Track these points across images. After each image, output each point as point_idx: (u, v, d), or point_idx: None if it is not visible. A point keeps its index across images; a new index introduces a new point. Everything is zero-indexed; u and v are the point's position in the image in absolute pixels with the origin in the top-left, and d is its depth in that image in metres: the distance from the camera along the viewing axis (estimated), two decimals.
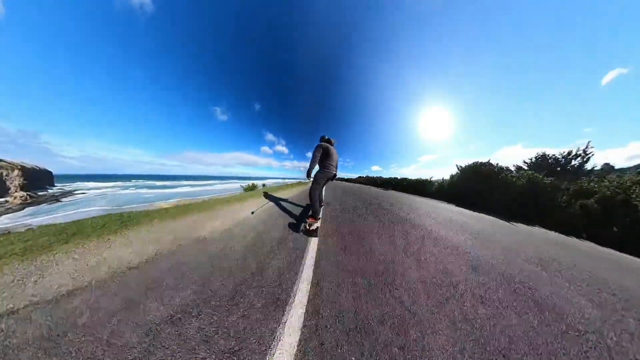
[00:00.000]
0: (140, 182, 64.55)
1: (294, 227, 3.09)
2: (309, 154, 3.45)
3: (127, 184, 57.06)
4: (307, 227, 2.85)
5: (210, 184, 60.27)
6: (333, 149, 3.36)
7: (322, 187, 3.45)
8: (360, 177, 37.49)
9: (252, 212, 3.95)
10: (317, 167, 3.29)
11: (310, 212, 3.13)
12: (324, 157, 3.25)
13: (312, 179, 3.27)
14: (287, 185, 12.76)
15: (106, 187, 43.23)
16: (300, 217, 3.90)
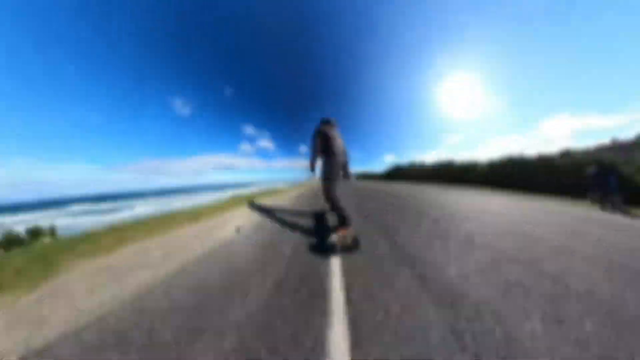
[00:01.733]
0: (79, 208, 53.54)
1: (318, 249, 1.95)
2: (304, 149, 2.59)
3: (60, 212, 47.04)
4: (341, 241, 2.00)
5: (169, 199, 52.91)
6: (335, 132, 2.71)
7: (338, 183, 2.62)
8: (365, 173, 29.83)
9: (237, 230, 2.81)
10: (319, 162, 2.61)
11: (338, 221, 2.28)
12: (325, 145, 2.55)
13: (321, 177, 2.56)
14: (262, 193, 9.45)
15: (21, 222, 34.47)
16: (317, 230, 2.71)
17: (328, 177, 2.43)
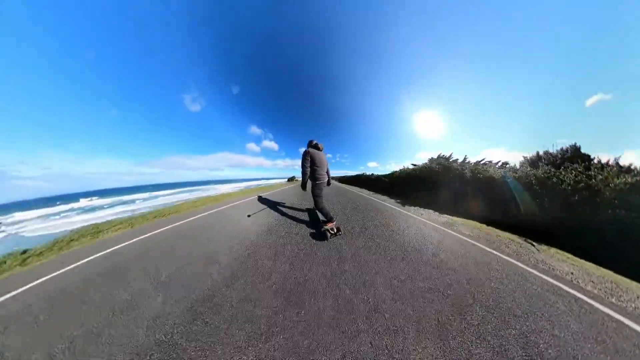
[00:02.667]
0: (92, 202, 53.27)
1: (318, 237, 3.23)
2: (302, 150, 3.49)
3: (76, 205, 49.52)
4: (330, 231, 3.17)
5: (182, 192, 55.41)
6: (321, 155, 3.39)
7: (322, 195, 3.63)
8: (345, 175, 34.90)
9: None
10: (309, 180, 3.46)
11: (323, 219, 3.54)
12: (313, 167, 3.29)
13: (312, 193, 3.46)
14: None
15: (39, 217, 35.31)
16: (311, 223, 4.06)
17: (318, 195, 3.36)
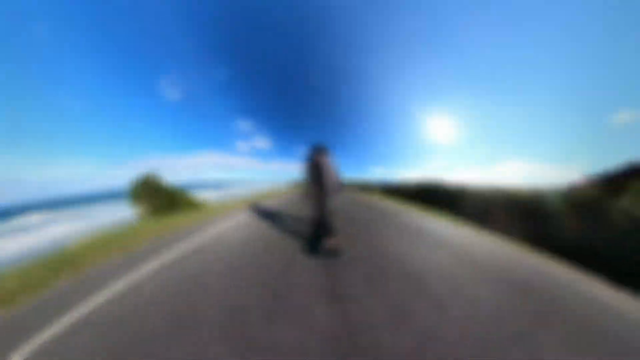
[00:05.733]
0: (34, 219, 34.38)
1: (310, 250, 2.82)
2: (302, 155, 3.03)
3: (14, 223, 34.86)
4: (329, 247, 2.76)
5: None
6: (326, 159, 2.71)
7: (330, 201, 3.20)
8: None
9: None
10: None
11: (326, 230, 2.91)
12: (317, 175, 2.68)
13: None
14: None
15: None
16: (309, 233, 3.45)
17: (321, 204, 2.79)
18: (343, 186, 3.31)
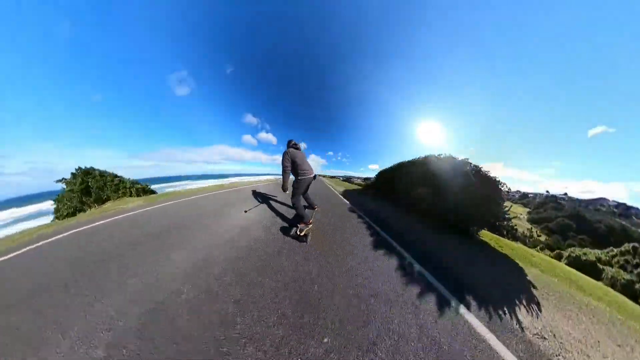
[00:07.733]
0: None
1: (285, 231, 3.28)
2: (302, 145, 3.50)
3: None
4: (298, 233, 2.98)
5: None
6: (300, 153, 3.34)
7: (305, 193, 3.76)
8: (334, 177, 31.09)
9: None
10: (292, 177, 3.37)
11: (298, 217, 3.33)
12: (294, 165, 3.24)
13: (291, 192, 3.34)
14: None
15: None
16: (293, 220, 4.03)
17: (297, 191, 3.25)
18: (315, 176, 3.64)
